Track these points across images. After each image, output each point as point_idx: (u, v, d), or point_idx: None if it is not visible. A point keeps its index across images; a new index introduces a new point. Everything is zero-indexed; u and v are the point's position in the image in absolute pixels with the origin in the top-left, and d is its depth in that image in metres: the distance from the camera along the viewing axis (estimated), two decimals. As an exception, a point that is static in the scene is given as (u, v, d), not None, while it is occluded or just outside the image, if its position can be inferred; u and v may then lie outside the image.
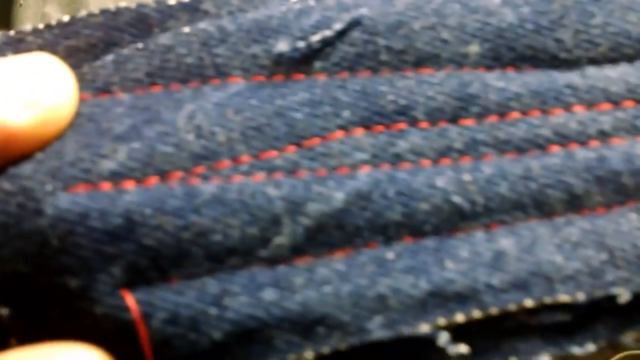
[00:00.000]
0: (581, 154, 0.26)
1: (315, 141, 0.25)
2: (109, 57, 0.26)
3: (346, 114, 0.25)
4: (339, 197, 0.24)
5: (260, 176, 0.24)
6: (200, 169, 0.24)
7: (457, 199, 0.25)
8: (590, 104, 0.26)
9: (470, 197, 0.25)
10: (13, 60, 0.25)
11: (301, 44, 0.26)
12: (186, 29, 0.26)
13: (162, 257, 0.23)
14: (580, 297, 0.25)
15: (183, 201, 0.24)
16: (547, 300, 0.24)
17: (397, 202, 0.25)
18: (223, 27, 0.26)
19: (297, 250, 0.24)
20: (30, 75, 0.25)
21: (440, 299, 0.24)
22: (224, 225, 0.24)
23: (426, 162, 0.25)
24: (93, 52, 0.26)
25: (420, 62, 0.26)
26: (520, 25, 0.26)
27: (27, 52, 0.26)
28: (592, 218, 0.25)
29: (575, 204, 0.25)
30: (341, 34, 0.26)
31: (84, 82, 0.25)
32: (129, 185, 0.24)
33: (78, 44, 0.26)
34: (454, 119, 0.26)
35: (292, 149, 0.25)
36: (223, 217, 0.24)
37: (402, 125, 0.26)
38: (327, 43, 0.26)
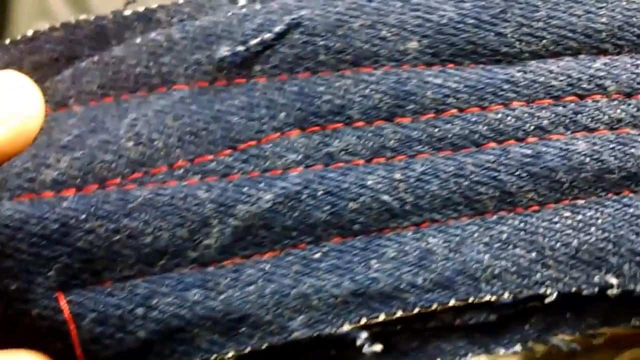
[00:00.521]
0: (517, 150, 0.25)
1: (250, 144, 0.26)
2: (68, 72, 0.27)
3: (282, 115, 0.26)
4: (267, 198, 0.25)
5: (194, 180, 0.25)
6: (137, 175, 0.25)
7: (386, 197, 0.25)
8: (530, 100, 0.26)
9: (400, 195, 0.25)
10: None
11: (241, 48, 0.26)
12: (137, 40, 0.27)
13: (95, 260, 0.24)
14: (506, 296, 0.24)
15: (116, 206, 0.25)
16: (472, 300, 0.24)
17: (325, 202, 0.25)
18: (170, 36, 0.27)
19: (225, 252, 0.25)
20: (1, 92, 0.26)
21: (363, 298, 0.24)
22: (154, 228, 0.25)
23: (359, 162, 0.25)
24: (55, 66, 0.28)
25: (359, 61, 0.26)
26: (461, 20, 0.26)
27: None
28: (525, 216, 0.25)
29: (507, 201, 0.25)
30: (281, 36, 0.26)
31: (46, 97, 0.27)
32: (69, 192, 0.25)
33: (42, 59, 0.28)
34: (390, 118, 0.26)
35: (227, 152, 0.25)
36: (153, 220, 0.25)
37: (338, 125, 0.26)
38: (267, 46, 0.26)
